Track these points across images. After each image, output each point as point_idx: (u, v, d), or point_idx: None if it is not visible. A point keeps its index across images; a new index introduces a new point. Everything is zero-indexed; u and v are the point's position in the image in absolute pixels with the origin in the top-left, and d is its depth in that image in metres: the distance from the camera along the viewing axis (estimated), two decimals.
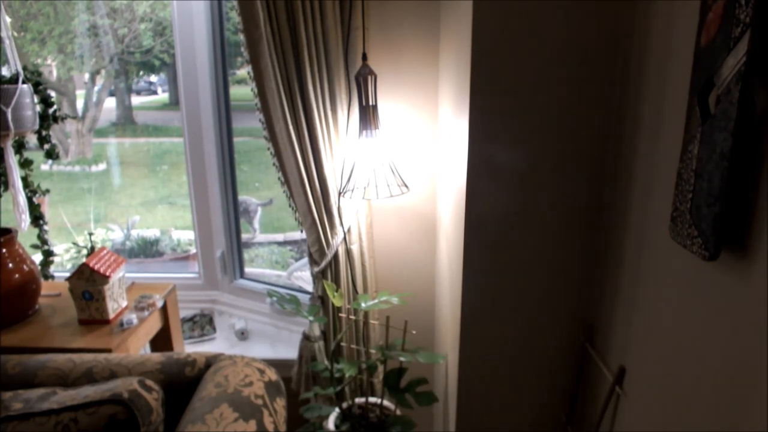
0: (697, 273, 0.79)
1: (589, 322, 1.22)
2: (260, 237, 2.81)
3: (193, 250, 2.56)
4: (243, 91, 1.87)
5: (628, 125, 1.03)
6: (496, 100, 1.08)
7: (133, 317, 1.54)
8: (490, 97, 1.08)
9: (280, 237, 2.90)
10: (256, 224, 2.75)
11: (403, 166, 1.65)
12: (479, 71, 1.07)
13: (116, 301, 1.57)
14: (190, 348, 1.96)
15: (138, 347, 1.53)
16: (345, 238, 1.61)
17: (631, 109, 1.02)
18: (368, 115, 1.40)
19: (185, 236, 2.80)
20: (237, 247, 2.12)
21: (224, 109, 1.97)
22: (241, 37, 1.46)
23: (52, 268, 1.93)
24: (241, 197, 2.17)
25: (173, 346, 1.75)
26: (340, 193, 1.56)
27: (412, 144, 1.65)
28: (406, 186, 1.46)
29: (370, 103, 1.39)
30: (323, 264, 1.62)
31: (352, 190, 1.42)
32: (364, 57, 1.40)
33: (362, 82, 1.38)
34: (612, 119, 1.09)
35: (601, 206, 1.15)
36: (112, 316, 1.54)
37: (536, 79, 1.06)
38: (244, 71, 1.56)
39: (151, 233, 2.84)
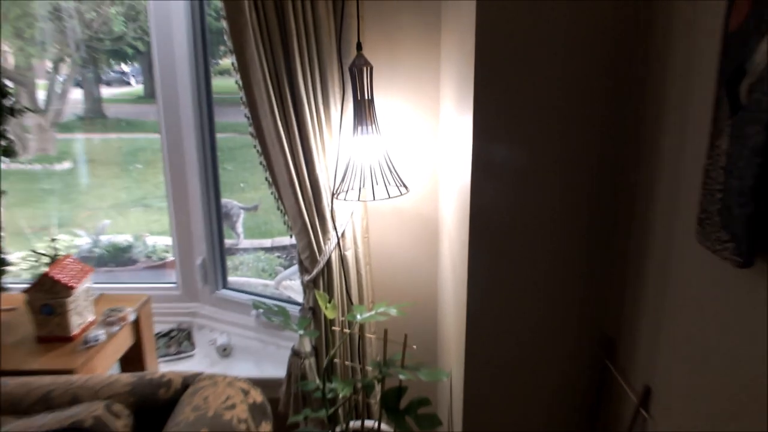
0: (729, 281, 0.78)
1: (609, 337, 1.21)
2: (245, 242, 2.80)
3: (170, 257, 2.56)
4: (226, 83, 1.86)
5: (647, 120, 1.03)
6: (503, 95, 1.08)
7: (101, 333, 1.53)
8: (495, 91, 1.08)
9: (267, 242, 2.89)
10: (239, 229, 2.74)
11: (401, 165, 1.65)
12: (483, 63, 1.07)
13: (81, 316, 1.56)
14: (165, 367, 1.95)
15: (106, 367, 1.52)
16: (338, 244, 1.61)
17: (650, 103, 1.02)
18: (363, 110, 1.40)
19: (161, 242, 2.79)
20: (219, 253, 2.12)
21: (206, 102, 1.98)
22: (224, 24, 1.46)
23: (6, 279, 1.91)
24: (223, 200, 2.15)
25: (146, 365, 1.74)
26: (333, 195, 1.56)
27: (411, 141, 1.66)
28: (405, 186, 1.47)
29: (366, 97, 1.40)
30: (315, 272, 1.62)
31: (347, 191, 1.42)
32: (359, 47, 1.40)
33: (357, 74, 1.38)
34: (629, 114, 1.09)
35: (620, 209, 1.15)
36: (75, 332, 1.53)
37: (545, 73, 1.07)
38: (227, 61, 1.55)
39: (123, 239, 2.83)
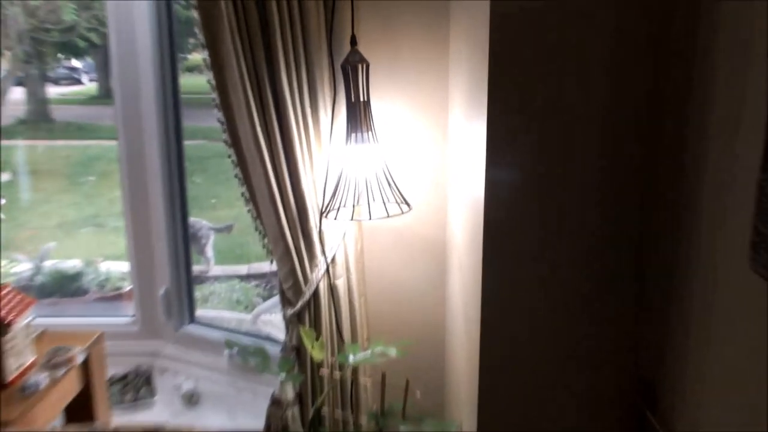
0: None
1: (648, 380, 1.21)
2: (216, 269, 2.81)
3: (127, 286, 2.55)
4: (196, 82, 1.88)
5: (690, 125, 1.04)
6: (522, 96, 1.10)
7: (42, 377, 1.52)
8: (512, 93, 1.10)
9: (242, 269, 2.90)
10: (210, 253, 2.74)
11: (403, 178, 1.65)
12: (499, 62, 1.09)
13: (19, 357, 1.54)
14: (120, 418, 1.93)
15: (48, 418, 1.50)
16: (328, 271, 1.62)
17: (694, 106, 1.03)
18: (358, 114, 1.41)
19: (117, 268, 2.78)
20: (186, 282, 2.12)
21: (172, 104, 1.99)
22: (195, 14, 1.48)
23: None
24: (190, 219, 2.16)
25: (97, 414, 1.72)
26: (322, 213, 1.56)
27: (414, 151, 1.67)
28: (407, 204, 1.47)
29: (361, 99, 1.41)
30: (299, 304, 1.62)
31: (338, 209, 1.43)
32: (353, 41, 1.42)
33: (351, 72, 1.39)
34: (668, 118, 1.10)
35: (657, 229, 1.15)
36: (12, 376, 1.51)
37: (570, 74, 1.09)
38: (198, 56, 1.57)
39: (72, 265, 2.82)
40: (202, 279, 2.74)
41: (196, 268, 2.47)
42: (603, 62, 1.09)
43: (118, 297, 2.66)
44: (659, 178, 1.14)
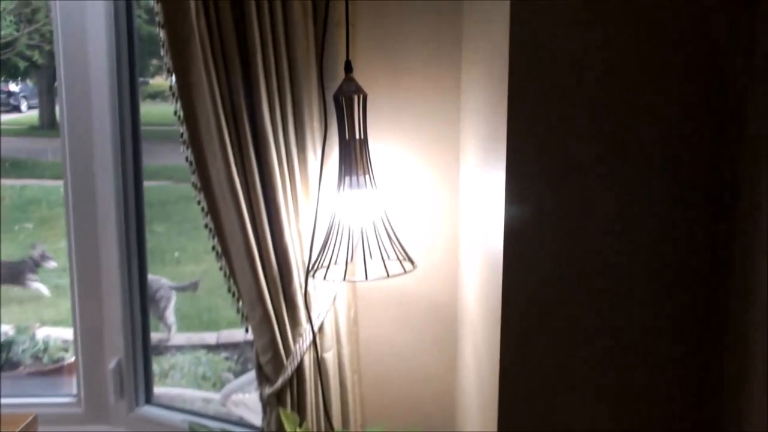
0: None
1: None
2: (179, 337, 2.80)
3: (70, 358, 2.52)
4: (160, 111, 1.92)
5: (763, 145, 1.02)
6: (547, 136, 1.12)
7: None
8: (536, 133, 1.11)
9: (210, 337, 2.88)
10: (170, 318, 2.74)
11: (406, 231, 1.63)
12: (520, 95, 1.11)
13: None
14: None
15: None
16: (315, 342, 1.62)
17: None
18: (353, 154, 1.43)
19: (57, 335, 2.77)
20: (143, 353, 2.12)
21: (131, 137, 2.02)
22: (161, 32, 1.52)
23: None
24: (150, 276, 2.18)
25: None
26: (308, 272, 1.58)
27: (420, 199, 1.68)
28: (411, 261, 1.48)
29: (357, 137, 1.43)
30: (280, 382, 1.62)
31: (327, 268, 1.43)
32: (348, 67, 1.44)
33: (345, 105, 1.41)
34: (729, 153, 1.11)
35: (727, 287, 1.14)
36: None
37: (606, 107, 1.11)
38: (162, 81, 1.62)
39: (1, 331, 2.81)
40: (162, 349, 2.71)
41: (155, 336, 2.45)
42: (649, 93, 1.11)
43: (57, 371, 2.63)
44: (728, 225, 1.14)
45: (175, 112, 1.57)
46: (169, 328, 2.75)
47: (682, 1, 1.08)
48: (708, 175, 1.12)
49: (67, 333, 2.57)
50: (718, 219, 1.13)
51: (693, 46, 1.10)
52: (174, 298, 2.77)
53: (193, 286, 2.84)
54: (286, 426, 1.52)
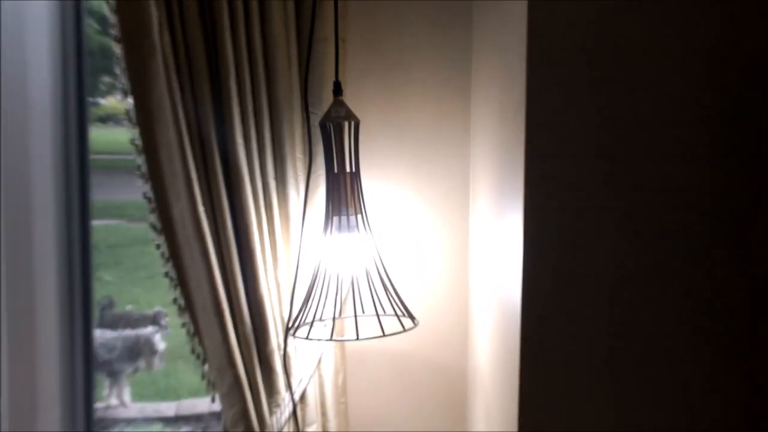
0: None
1: None
2: (132, 408, 2.69)
3: None
4: (113, 137, 1.83)
5: None
6: (571, 186, 1.11)
7: None
8: (556, 176, 1.11)
9: (168, 408, 2.78)
10: (122, 384, 2.65)
11: (406, 282, 1.62)
12: (538, 128, 1.10)
13: None
14: None
15: None
16: (295, 414, 1.55)
17: None
18: (343, 191, 1.39)
19: None
20: (85, 425, 2.00)
21: (77, 168, 1.93)
22: (117, 47, 1.47)
23: None
24: (96, 332, 2.06)
25: None
26: (287, 330, 1.51)
27: (422, 246, 1.65)
28: (412, 318, 1.43)
29: (347, 170, 1.40)
30: None
31: (311, 324, 1.38)
32: (338, 89, 1.41)
33: (333, 132, 1.38)
34: None
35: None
36: None
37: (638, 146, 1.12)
38: (116, 102, 1.60)
39: None
40: (109, 422, 2.60)
41: (100, 407, 2.35)
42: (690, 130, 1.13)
43: None
44: None
45: (132, 141, 1.52)
46: (120, 397, 2.67)
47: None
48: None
49: None
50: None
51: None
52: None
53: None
54: None
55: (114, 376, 2.63)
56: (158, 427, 2.74)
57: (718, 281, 1.17)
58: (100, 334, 2.54)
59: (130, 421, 2.70)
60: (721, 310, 1.18)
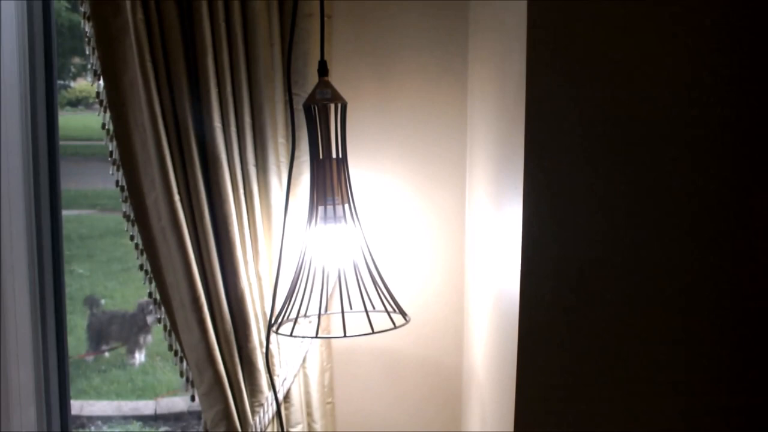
0: None
1: None
2: (106, 406, 2.67)
3: None
4: (84, 122, 1.82)
5: None
6: (572, 176, 1.10)
7: None
8: (556, 165, 1.10)
9: (147, 407, 2.77)
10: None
11: (397, 276, 1.60)
12: (539, 121, 1.08)
13: None
14: None
15: None
16: (279, 414, 1.54)
17: None
18: (329, 179, 1.37)
19: None
20: (60, 426, 1.98)
21: (46, 154, 1.90)
22: (87, 25, 1.45)
23: None
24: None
25: None
26: (270, 326, 1.49)
27: (414, 236, 1.64)
28: (403, 314, 1.41)
29: (334, 156, 1.38)
30: None
31: (295, 321, 1.37)
32: (323, 69, 1.38)
33: (318, 116, 1.36)
34: None
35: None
36: None
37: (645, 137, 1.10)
38: (87, 84, 1.50)
39: None
40: (83, 421, 2.59)
41: (76, 404, 2.33)
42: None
43: None
44: None
45: (104, 125, 1.50)
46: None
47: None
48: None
49: None
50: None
51: None
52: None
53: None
54: None
55: None
56: (137, 426, 2.75)
57: (721, 280, 1.17)
58: None
59: (106, 420, 2.71)
60: (724, 310, 1.17)
